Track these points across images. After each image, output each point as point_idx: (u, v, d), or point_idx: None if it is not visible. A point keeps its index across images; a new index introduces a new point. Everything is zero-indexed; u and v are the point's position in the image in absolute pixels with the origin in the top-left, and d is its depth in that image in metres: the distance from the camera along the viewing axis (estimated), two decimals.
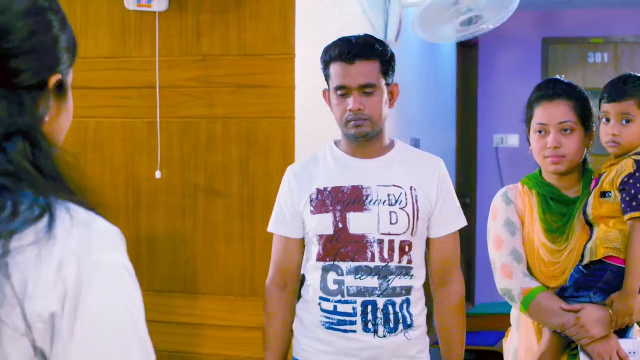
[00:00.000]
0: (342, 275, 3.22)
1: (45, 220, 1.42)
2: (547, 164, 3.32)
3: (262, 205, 4.22)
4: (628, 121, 3.22)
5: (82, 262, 1.42)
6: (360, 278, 3.19)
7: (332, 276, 3.24)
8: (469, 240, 8.73)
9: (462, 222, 3.38)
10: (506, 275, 3.29)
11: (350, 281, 3.20)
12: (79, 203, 1.51)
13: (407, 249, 3.23)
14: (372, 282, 3.19)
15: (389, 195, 3.23)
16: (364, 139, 3.25)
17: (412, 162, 3.34)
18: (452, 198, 3.35)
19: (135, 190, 4.46)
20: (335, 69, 3.22)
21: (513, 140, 9.24)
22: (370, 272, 3.19)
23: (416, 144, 6.34)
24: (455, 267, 3.38)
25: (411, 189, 3.26)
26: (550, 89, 3.36)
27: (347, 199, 3.23)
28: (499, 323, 6.52)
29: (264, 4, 4.22)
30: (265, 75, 4.23)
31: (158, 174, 4.34)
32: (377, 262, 3.20)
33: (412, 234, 3.23)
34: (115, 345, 1.43)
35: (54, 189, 1.48)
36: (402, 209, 3.22)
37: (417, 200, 3.24)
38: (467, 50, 9.09)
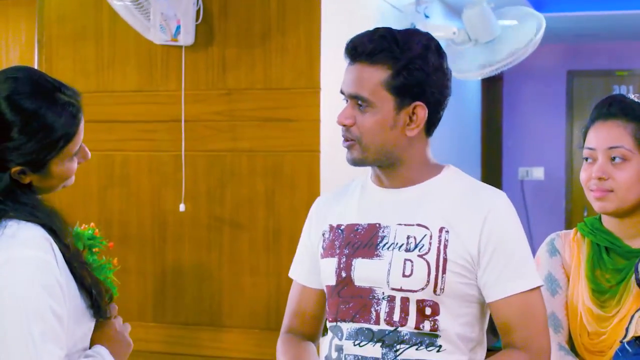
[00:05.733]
0: (342, 339, 2.44)
1: None
2: (592, 200, 2.60)
3: (287, 238, 4.22)
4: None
5: None
6: (359, 345, 2.40)
7: (335, 340, 2.47)
8: None
9: (531, 281, 2.38)
10: None
11: (348, 348, 2.42)
12: (36, 222, 2.13)
13: (428, 311, 2.36)
14: (373, 350, 2.38)
15: (408, 238, 2.39)
16: (361, 166, 2.49)
17: (455, 195, 2.44)
18: (511, 247, 2.38)
19: (161, 223, 4.47)
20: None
21: (538, 173, 9.21)
22: (371, 337, 2.39)
23: None
24: (532, 338, 2.37)
25: (441, 230, 2.37)
26: (605, 107, 2.62)
27: (359, 241, 2.45)
28: None
29: (289, 38, 4.24)
30: (290, 108, 4.24)
31: (182, 207, 4.35)
32: (382, 325, 2.38)
33: (435, 291, 2.35)
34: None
35: (11, 215, 2.12)
36: (420, 256, 2.36)
37: (445, 247, 2.36)
38: (492, 83, 9.10)
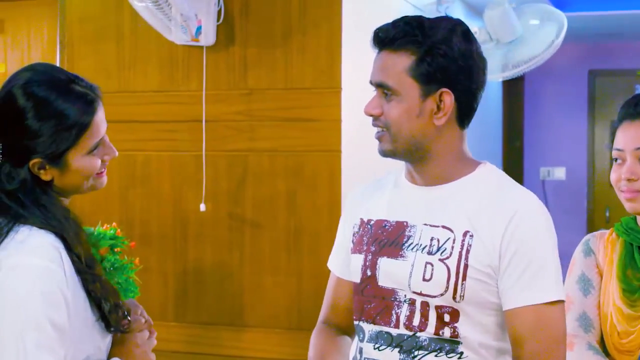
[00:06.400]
0: (363, 341, 2.38)
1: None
2: (623, 200, 2.58)
3: (308, 238, 4.22)
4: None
5: (3, 261, 2.06)
6: (378, 348, 2.34)
7: (358, 342, 2.42)
8: None
9: (549, 293, 2.23)
10: (568, 346, 2.41)
11: (368, 351, 2.36)
12: (48, 230, 2.12)
13: (447, 317, 2.26)
14: (391, 355, 2.31)
15: (431, 240, 2.29)
16: (392, 158, 2.38)
17: (483, 196, 2.32)
18: (532, 254, 2.24)
19: (182, 223, 4.47)
20: None
21: (559, 173, 9.18)
22: (390, 341, 2.32)
23: None
24: (543, 354, 2.23)
25: (465, 234, 2.26)
26: (632, 107, 2.60)
27: (386, 238, 2.37)
28: None
29: (310, 38, 4.24)
30: (311, 108, 4.24)
31: (202, 207, 4.36)
32: (401, 330, 2.30)
33: (454, 297, 2.25)
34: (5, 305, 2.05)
35: (26, 220, 2.13)
36: (442, 260, 2.26)
37: (468, 252, 2.25)
38: (513, 82, 9.06)
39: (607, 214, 8.57)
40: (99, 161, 2.26)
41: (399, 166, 2.48)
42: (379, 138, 2.34)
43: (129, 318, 2.34)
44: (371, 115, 2.33)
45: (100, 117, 2.24)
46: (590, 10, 7.76)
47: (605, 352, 2.59)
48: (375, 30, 2.35)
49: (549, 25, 5.37)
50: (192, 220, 4.45)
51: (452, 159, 2.36)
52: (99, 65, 4.60)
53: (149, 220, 4.51)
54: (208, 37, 4.29)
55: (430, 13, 5.44)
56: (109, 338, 2.26)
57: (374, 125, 2.34)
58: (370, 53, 4.50)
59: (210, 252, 4.43)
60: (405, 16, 2.34)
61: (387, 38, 2.31)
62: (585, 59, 9.35)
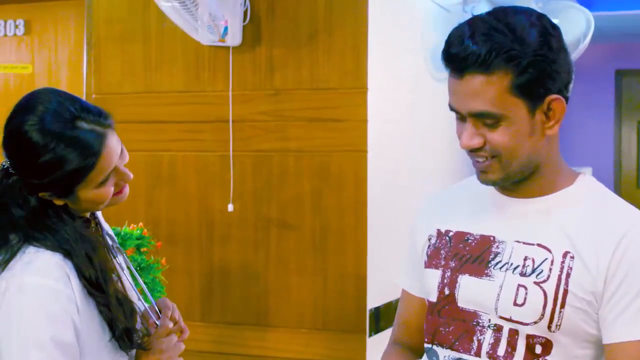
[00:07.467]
0: None
1: (8, 258, 2.13)
2: None
3: (334, 238, 4.22)
4: None
5: (10, 280, 2.09)
6: None
7: None
8: None
9: None
10: None
11: None
12: (50, 248, 2.13)
13: (538, 349, 1.99)
14: None
15: (525, 259, 2.02)
16: (500, 185, 2.11)
17: (585, 213, 2.04)
18: None
19: (208, 223, 4.48)
20: (448, 78, 2.06)
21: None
22: None
23: None
24: None
25: (565, 255, 1.99)
26: None
27: (468, 254, 2.11)
28: None
29: (336, 38, 4.24)
30: (337, 108, 4.23)
31: (230, 207, 4.36)
32: (483, 359, 2.04)
33: (549, 327, 1.97)
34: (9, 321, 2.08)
35: (36, 240, 2.14)
36: (538, 283, 1.99)
37: (568, 275, 1.97)
38: None
39: None
40: (112, 188, 2.24)
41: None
42: (485, 169, 2.05)
43: (157, 322, 2.34)
44: (472, 148, 2.03)
45: (110, 148, 2.18)
46: (617, 10, 7.72)
47: None
48: (449, 51, 2.01)
49: (576, 25, 5.34)
50: (218, 220, 4.46)
51: (554, 168, 2.11)
52: (126, 66, 4.62)
53: (175, 220, 4.53)
54: (234, 38, 4.29)
55: (457, 13, 5.42)
56: (126, 357, 2.27)
57: (475, 155, 2.05)
58: (396, 54, 4.49)
59: (236, 252, 4.44)
60: (473, 24, 2.00)
61: (476, 60, 1.95)
62: (612, 59, 9.32)
